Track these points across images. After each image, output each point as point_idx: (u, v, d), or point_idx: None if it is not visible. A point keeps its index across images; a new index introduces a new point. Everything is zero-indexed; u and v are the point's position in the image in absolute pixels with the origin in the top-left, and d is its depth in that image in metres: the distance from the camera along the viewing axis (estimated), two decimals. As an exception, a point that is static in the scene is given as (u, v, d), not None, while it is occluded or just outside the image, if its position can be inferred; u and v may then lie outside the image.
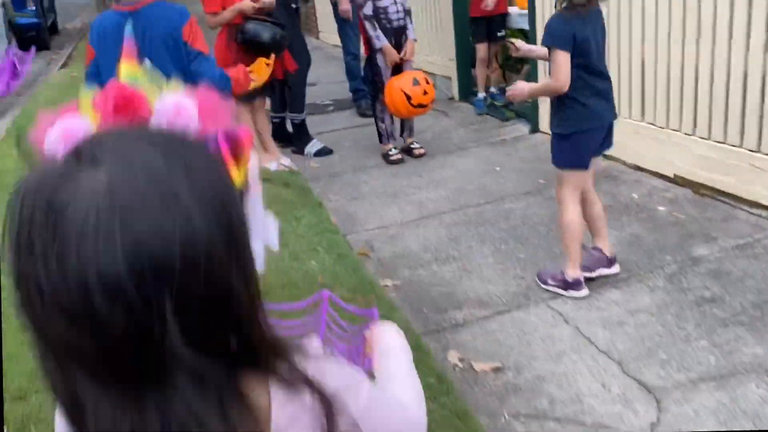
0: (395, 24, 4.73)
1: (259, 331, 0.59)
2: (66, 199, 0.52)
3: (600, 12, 2.77)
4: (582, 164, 2.84)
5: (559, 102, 2.79)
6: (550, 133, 2.96)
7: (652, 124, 4.06)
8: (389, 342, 0.97)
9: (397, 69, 4.80)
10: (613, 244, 3.16)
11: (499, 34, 5.79)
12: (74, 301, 0.51)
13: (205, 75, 2.47)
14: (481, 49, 5.81)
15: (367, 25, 4.72)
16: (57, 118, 0.66)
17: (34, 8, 10.76)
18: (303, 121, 5.29)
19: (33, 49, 2.11)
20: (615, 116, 2.90)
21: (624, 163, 4.27)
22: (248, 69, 2.84)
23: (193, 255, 0.52)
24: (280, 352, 0.61)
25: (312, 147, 5.25)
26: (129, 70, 0.75)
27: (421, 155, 4.93)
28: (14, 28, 9.54)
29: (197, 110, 0.69)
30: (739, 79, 3.44)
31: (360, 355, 1.52)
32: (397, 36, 4.76)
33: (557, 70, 2.65)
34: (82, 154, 0.55)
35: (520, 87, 2.94)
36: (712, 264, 3.04)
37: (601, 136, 2.85)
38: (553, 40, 2.65)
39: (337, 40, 6.86)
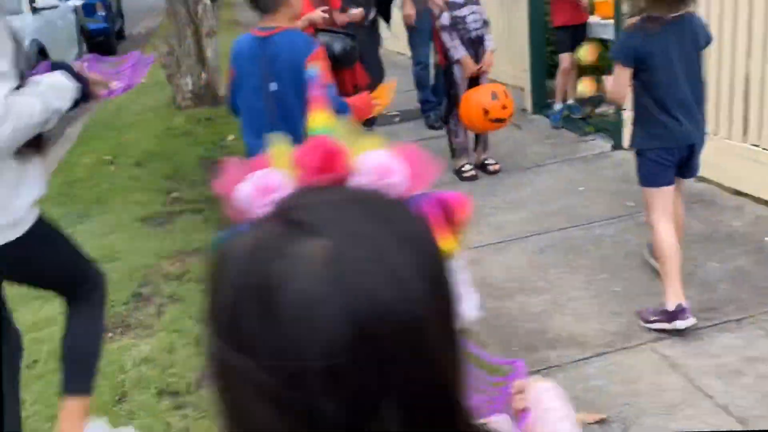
0: (473, 34, 4.52)
1: (463, 416, 0.53)
2: (283, 274, 0.46)
3: (687, 23, 2.63)
4: (655, 182, 2.73)
5: (634, 117, 2.83)
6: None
7: (755, 145, 3.75)
8: (550, 405, 0.86)
9: (473, 81, 4.60)
10: (717, 280, 2.89)
11: (583, 43, 5.53)
12: (288, 389, 0.45)
13: None
14: (565, 60, 5.55)
15: (445, 35, 4.52)
16: (248, 171, 0.61)
17: (103, 14, 10.95)
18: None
19: (152, 55, 2.20)
20: (695, 137, 2.75)
21: (721, 186, 3.96)
22: (372, 95, 2.84)
23: (417, 340, 0.47)
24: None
25: None
26: (323, 121, 0.67)
27: (495, 171, 4.71)
28: (84, 33, 9.72)
29: (405, 171, 0.62)
30: None
31: (496, 411, 1.34)
32: (475, 47, 4.56)
33: (613, 83, 2.78)
34: (296, 221, 0.50)
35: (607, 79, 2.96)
36: (836, 307, 2.73)
37: (677, 157, 2.72)
38: (613, 54, 2.84)
39: (401, 47, 6.69)
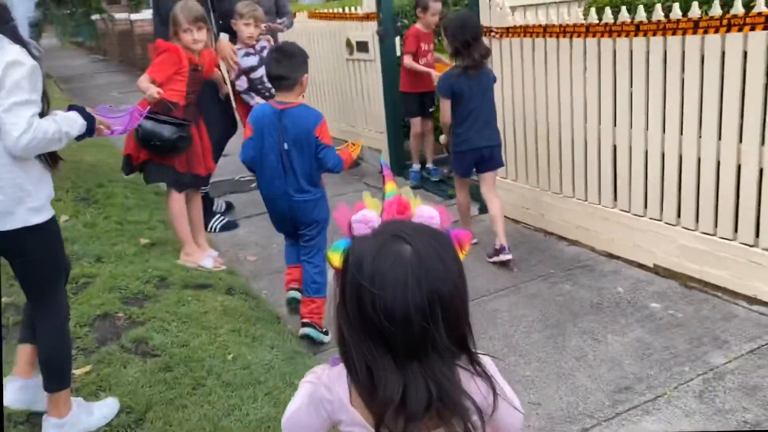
0: (273, 91, 4.54)
1: (468, 332, 1.10)
2: (391, 259, 1.03)
3: (484, 72, 3.91)
4: (463, 174, 4.15)
5: (452, 131, 4.04)
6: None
7: (625, 211, 3.87)
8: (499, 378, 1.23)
9: None
10: (621, 355, 2.84)
11: (431, 109, 5.59)
12: (397, 313, 1.00)
13: (328, 160, 3.18)
14: (416, 124, 5.62)
15: (245, 97, 4.79)
16: (355, 210, 1.15)
17: None
18: (207, 194, 4.92)
19: (147, 109, 3.42)
20: (490, 141, 3.99)
21: (593, 249, 4.05)
22: (351, 150, 3.39)
23: (454, 293, 1.04)
24: (473, 348, 1.12)
25: (216, 222, 5.03)
26: (392, 188, 1.19)
27: None
28: None
29: (440, 217, 1.15)
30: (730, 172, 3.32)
31: None
32: None
33: (441, 112, 4.01)
34: (397, 235, 1.06)
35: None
36: (736, 376, 2.78)
37: (477, 156, 4.01)
38: (437, 90, 4.17)
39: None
